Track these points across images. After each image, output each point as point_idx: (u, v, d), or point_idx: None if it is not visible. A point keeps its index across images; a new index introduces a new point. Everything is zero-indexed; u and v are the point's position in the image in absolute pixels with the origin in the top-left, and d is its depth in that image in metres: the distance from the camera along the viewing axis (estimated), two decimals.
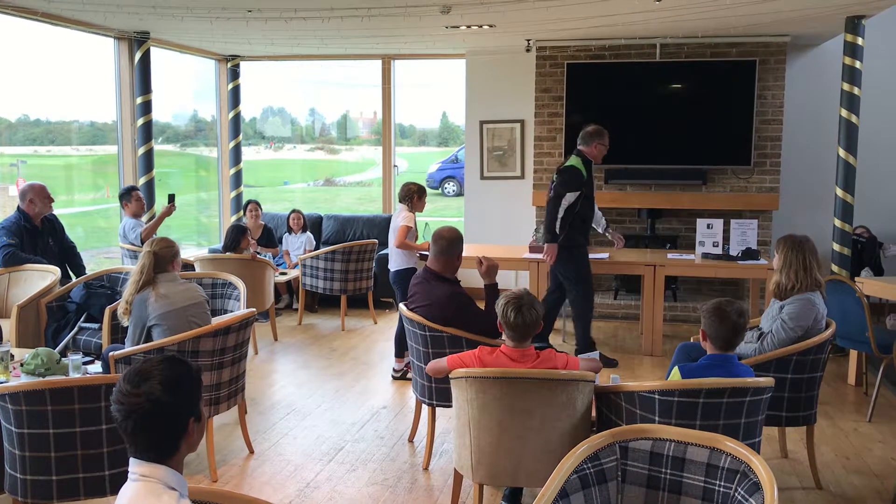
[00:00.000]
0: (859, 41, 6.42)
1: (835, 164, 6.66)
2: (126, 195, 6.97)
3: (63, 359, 4.10)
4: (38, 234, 5.81)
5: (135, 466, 1.86)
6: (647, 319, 6.63)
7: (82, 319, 5.34)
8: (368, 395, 5.61)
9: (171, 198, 6.86)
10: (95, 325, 5.27)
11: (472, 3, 5.97)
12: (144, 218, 7.09)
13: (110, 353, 3.98)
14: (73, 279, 5.81)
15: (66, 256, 6.02)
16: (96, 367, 4.25)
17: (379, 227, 8.77)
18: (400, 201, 6.23)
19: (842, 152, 6.55)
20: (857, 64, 6.44)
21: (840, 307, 5.28)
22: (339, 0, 5.93)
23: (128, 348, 4.04)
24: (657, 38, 7.72)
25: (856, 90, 6.47)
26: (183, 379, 1.89)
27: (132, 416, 1.83)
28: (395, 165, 9.46)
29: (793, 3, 5.94)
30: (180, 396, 1.87)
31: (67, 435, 3.16)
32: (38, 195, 5.76)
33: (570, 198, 6.05)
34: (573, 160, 6.16)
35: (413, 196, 6.15)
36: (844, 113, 6.53)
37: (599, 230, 6.62)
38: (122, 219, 7.03)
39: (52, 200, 5.86)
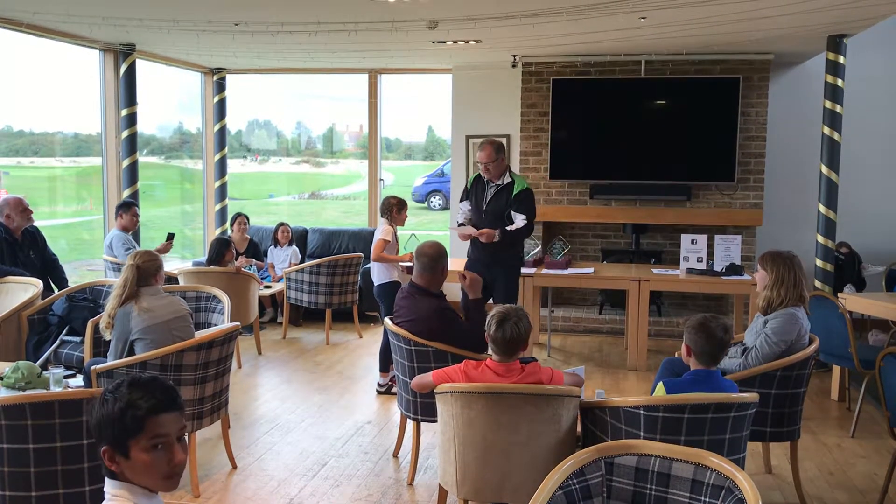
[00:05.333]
0: (841, 59, 6.51)
1: (817, 181, 6.73)
2: (124, 207, 6.82)
3: (44, 372, 4.05)
4: (19, 247, 5.76)
5: (105, 484, 1.87)
6: (632, 334, 6.65)
7: (64, 332, 5.29)
8: (353, 409, 5.58)
9: (171, 237, 6.85)
10: (77, 339, 5.22)
11: (459, 19, 6.00)
12: (132, 234, 7.00)
13: (92, 367, 3.94)
14: (56, 292, 5.76)
15: (48, 269, 5.96)
16: (78, 381, 4.21)
17: (364, 240, 8.75)
18: (381, 215, 6.22)
19: (824, 169, 6.62)
20: (839, 82, 6.52)
21: (823, 323, 5.31)
22: (326, 14, 5.95)
23: (110, 362, 4.01)
24: (642, 54, 7.78)
25: (838, 108, 6.55)
26: (102, 409, 1.82)
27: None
28: (380, 179, 9.46)
29: (776, 22, 6.00)
30: (97, 426, 1.84)
31: (48, 450, 3.12)
32: (13, 210, 5.70)
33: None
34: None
35: (392, 209, 6.15)
36: (827, 130, 6.60)
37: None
38: (111, 230, 6.95)
39: (30, 213, 5.80)
